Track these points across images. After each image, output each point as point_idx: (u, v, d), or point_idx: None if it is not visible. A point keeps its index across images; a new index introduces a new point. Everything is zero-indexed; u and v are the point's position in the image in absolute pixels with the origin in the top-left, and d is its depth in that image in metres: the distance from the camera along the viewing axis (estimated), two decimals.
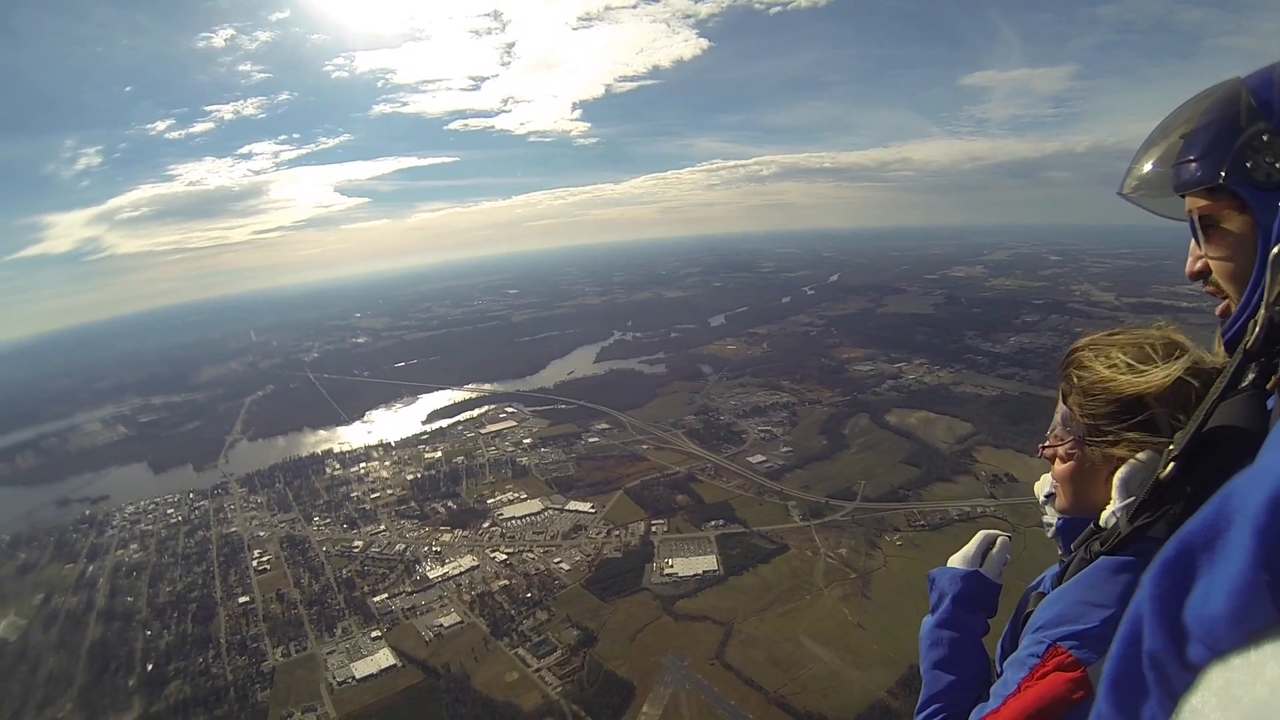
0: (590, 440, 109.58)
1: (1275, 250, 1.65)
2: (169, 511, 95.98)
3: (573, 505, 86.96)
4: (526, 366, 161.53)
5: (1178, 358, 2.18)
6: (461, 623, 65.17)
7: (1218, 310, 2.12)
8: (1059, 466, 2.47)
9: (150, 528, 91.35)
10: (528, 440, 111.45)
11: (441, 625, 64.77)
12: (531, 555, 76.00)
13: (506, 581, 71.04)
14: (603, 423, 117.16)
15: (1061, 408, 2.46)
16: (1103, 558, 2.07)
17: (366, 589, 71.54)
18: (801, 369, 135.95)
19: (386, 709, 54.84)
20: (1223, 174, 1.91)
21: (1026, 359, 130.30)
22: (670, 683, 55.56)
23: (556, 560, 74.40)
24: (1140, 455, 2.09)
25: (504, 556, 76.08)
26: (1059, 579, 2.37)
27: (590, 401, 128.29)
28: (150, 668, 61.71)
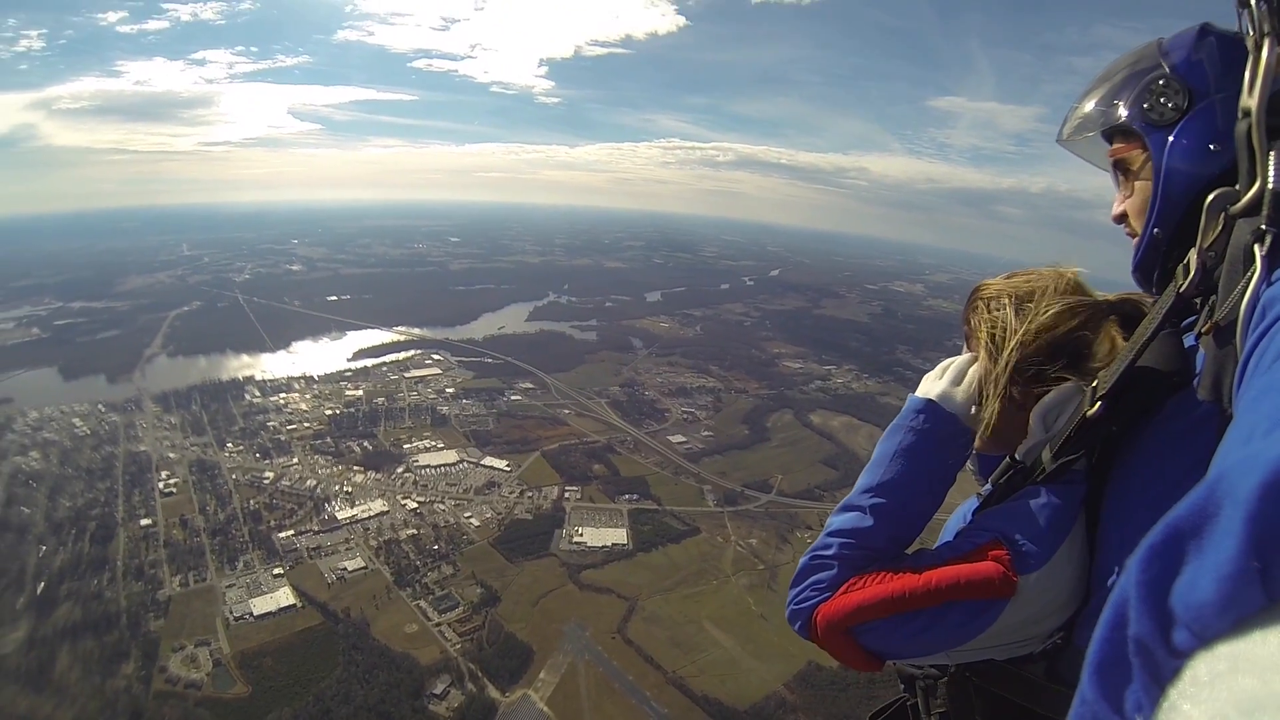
0: (513, 398, 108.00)
1: (1211, 197, 1.71)
2: (76, 422, 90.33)
3: (488, 461, 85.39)
4: (458, 316, 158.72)
5: (1081, 297, 2.18)
6: (365, 568, 63.61)
7: (1135, 249, 2.16)
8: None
9: (54, 437, 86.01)
10: (450, 390, 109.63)
11: (345, 569, 63.04)
12: (442, 507, 74.64)
13: (415, 531, 69.65)
14: (527, 382, 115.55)
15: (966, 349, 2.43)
16: (1029, 487, 1.99)
17: (273, 523, 69.30)
18: (731, 357, 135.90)
19: (282, 649, 53.14)
20: (1125, 116, 2.05)
21: None
22: (570, 651, 55.19)
23: (467, 515, 73.07)
24: (1054, 392, 2.04)
25: (414, 505, 74.52)
26: (978, 510, 2.21)
27: (517, 359, 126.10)
28: (41, 586, 58.37)
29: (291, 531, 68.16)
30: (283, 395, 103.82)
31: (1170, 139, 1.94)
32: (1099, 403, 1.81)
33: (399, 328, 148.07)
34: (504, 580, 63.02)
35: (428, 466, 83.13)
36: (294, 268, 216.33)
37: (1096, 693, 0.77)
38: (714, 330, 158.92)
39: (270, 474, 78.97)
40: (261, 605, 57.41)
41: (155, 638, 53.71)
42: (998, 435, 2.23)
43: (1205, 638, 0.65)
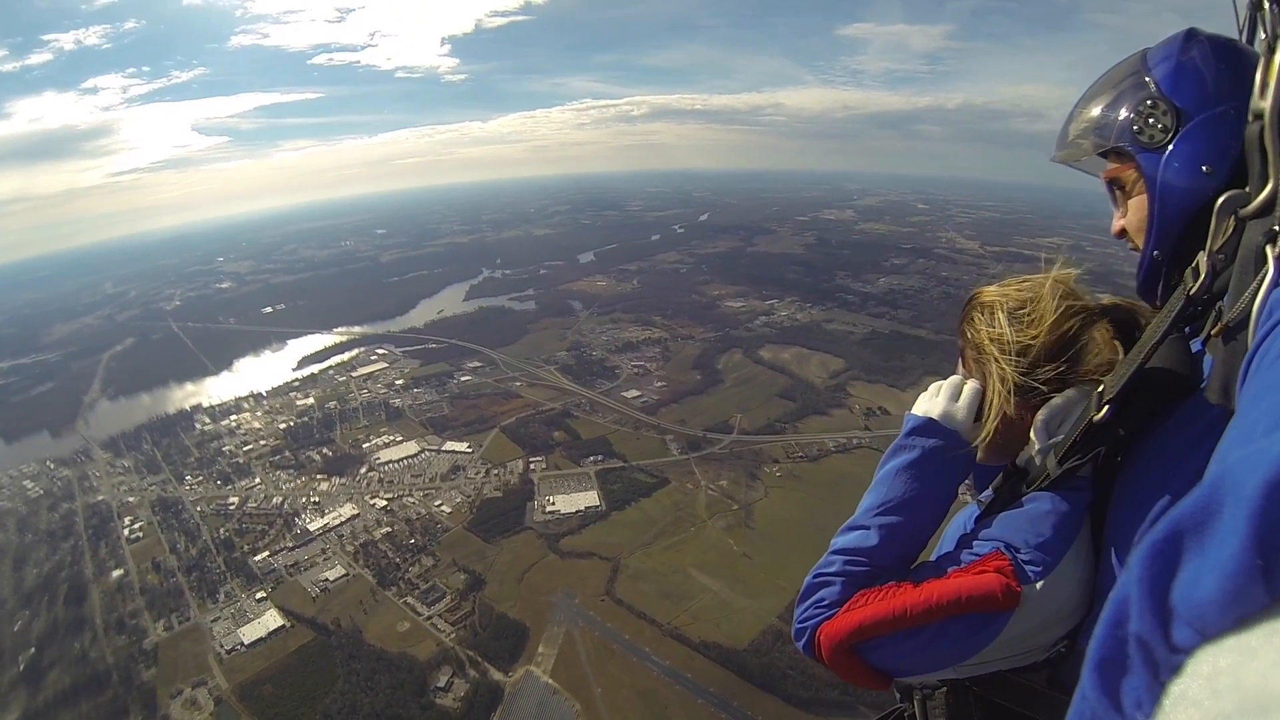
0: (463, 379, 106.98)
1: (1222, 199, 1.71)
2: (27, 484, 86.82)
3: (449, 446, 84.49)
4: (396, 307, 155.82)
5: (1076, 304, 2.15)
6: (347, 575, 62.46)
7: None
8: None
9: (7, 504, 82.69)
10: (400, 382, 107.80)
11: (327, 579, 61.86)
12: (411, 499, 73.48)
13: (389, 528, 68.59)
14: (475, 361, 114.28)
15: (964, 360, 2.38)
16: (1034, 494, 1.99)
17: (246, 548, 67.57)
18: (673, 305, 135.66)
19: (280, 672, 52.04)
20: (1115, 139, 2.07)
21: (896, 299, 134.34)
22: (563, 621, 54.98)
23: (437, 503, 72.20)
24: (1057, 398, 2.03)
25: (384, 502, 73.32)
26: (980, 519, 2.20)
27: (461, 340, 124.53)
28: (25, 661, 56.20)
29: (266, 553, 66.55)
30: (234, 417, 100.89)
31: (1162, 161, 1.94)
32: (1106, 407, 1.80)
33: (339, 329, 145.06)
34: (485, 562, 62.40)
35: (390, 462, 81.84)
36: (224, 286, 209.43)
37: (1097, 689, 0.76)
38: (651, 282, 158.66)
39: (235, 499, 76.82)
40: (251, 633, 56.04)
41: (150, 687, 52.22)
42: (997, 445, 2.18)
43: (1207, 635, 0.65)
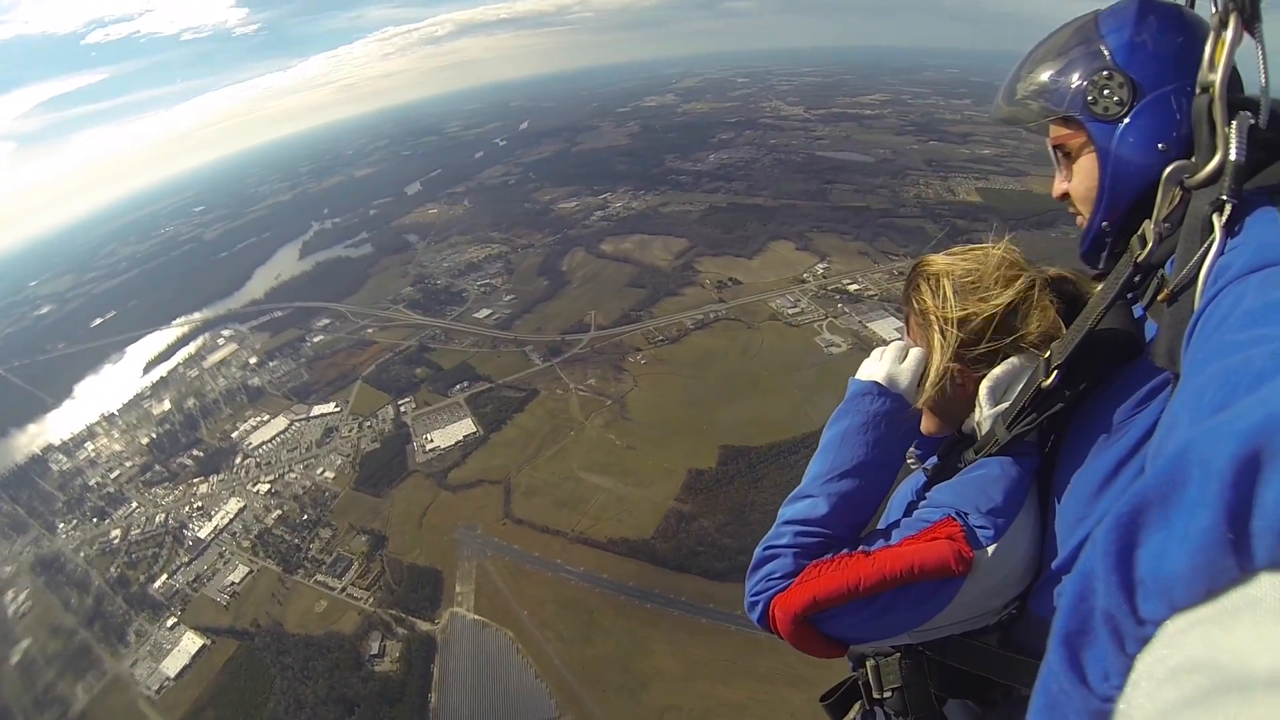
0: (315, 340, 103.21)
1: (1168, 171, 1.72)
2: None
3: (318, 410, 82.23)
4: (232, 283, 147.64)
5: (1020, 275, 2.16)
6: (251, 572, 60.83)
7: (1080, 225, 2.20)
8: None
9: None
10: (253, 359, 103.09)
11: (233, 583, 59.99)
12: (293, 475, 71.55)
13: (279, 511, 66.79)
14: (323, 318, 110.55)
15: (909, 327, 2.37)
16: (983, 460, 2.03)
17: (143, 578, 64.43)
18: (507, 218, 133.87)
19: (217, 694, 50.68)
20: (1066, 106, 2.04)
21: (729, 172, 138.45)
22: (471, 555, 55.55)
23: (319, 471, 70.66)
24: (1001, 365, 2.08)
25: (267, 486, 71.17)
26: (926, 486, 2.25)
27: (305, 301, 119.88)
28: None
29: (165, 576, 63.78)
30: (90, 446, 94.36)
31: (1117, 134, 1.95)
32: (1055, 372, 1.83)
33: (178, 321, 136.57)
34: (382, 517, 62.05)
35: (263, 443, 79.23)
36: (44, 311, 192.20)
37: (1063, 663, 0.76)
38: (482, 199, 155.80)
39: (117, 531, 72.79)
40: (173, 664, 54.06)
41: None
42: (941, 412, 2.25)
43: (1175, 607, 0.64)
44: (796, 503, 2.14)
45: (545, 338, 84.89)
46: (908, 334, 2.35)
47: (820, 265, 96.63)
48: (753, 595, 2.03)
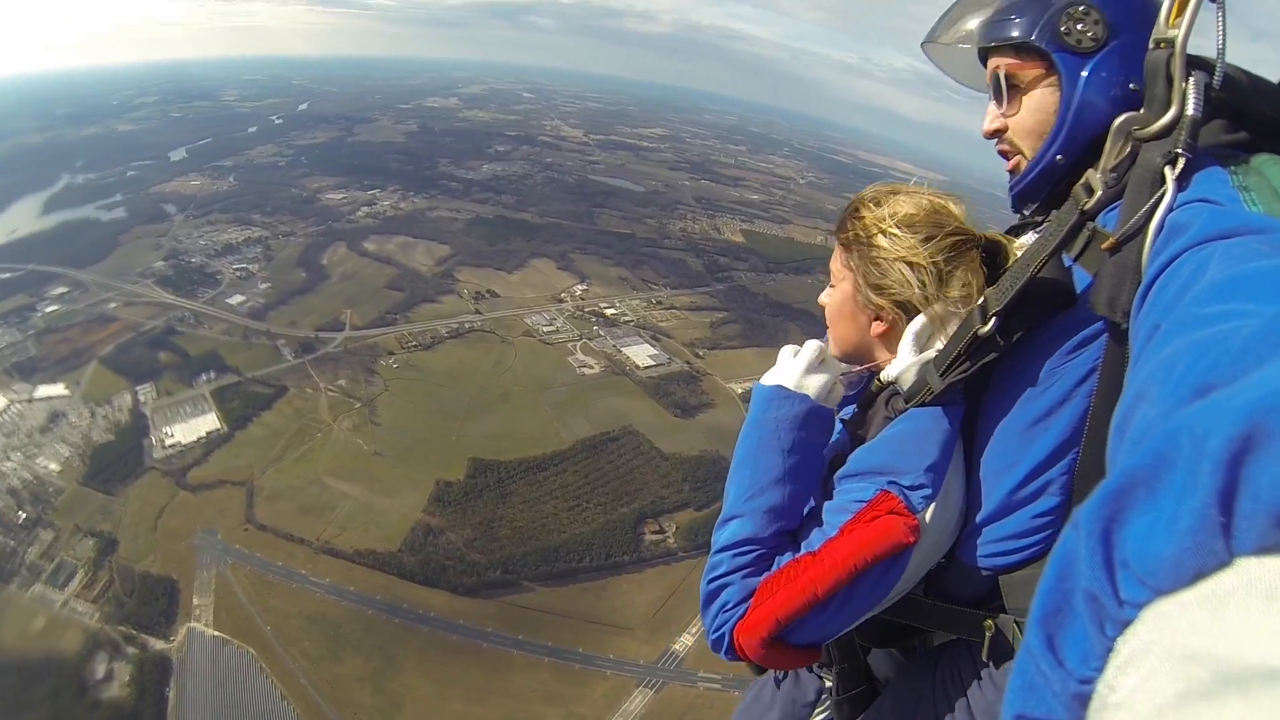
0: (48, 309, 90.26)
1: (1119, 121, 1.67)
2: None
3: (43, 391, 72.02)
4: None
5: (963, 230, 2.08)
6: None
7: (1009, 167, 2.19)
8: (831, 310, 2.26)
9: None
10: None
11: None
12: (11, 464, 62.30)
13: None
14: (60, 286, 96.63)
15: (837, 251, 2.24)
16: (913, 410, 1.96)
17: None
18: (273, 201, 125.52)
19: None
20: (1035, 34, 1.98)
21: (500, 185, 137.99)
22: (210, 564, 51.86)
23: (42, 462, 62.18)
24: (923, 315, 2.01)
25: None
26: (854, 441, 2.20)
27: (42, 264, 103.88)
28: None
29: None
30: None
31: (1088, 70, 1.93)
32: (993, 319, 1.77)
33: None
34: (113, 518, 55.95)
35: None
36: None
37: (1042, 644, 0.74)
38: (249, 178, 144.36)
39: None
40: None
41: None
42: (860, 358, 2.21)
43: (1160, 591, 0.62)
44: (724, 528, 2.07)
45: (299, 332, 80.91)
46: (834, 272, 2.27)
47: (580, 286, 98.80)
48: (714, 632, 1.96)
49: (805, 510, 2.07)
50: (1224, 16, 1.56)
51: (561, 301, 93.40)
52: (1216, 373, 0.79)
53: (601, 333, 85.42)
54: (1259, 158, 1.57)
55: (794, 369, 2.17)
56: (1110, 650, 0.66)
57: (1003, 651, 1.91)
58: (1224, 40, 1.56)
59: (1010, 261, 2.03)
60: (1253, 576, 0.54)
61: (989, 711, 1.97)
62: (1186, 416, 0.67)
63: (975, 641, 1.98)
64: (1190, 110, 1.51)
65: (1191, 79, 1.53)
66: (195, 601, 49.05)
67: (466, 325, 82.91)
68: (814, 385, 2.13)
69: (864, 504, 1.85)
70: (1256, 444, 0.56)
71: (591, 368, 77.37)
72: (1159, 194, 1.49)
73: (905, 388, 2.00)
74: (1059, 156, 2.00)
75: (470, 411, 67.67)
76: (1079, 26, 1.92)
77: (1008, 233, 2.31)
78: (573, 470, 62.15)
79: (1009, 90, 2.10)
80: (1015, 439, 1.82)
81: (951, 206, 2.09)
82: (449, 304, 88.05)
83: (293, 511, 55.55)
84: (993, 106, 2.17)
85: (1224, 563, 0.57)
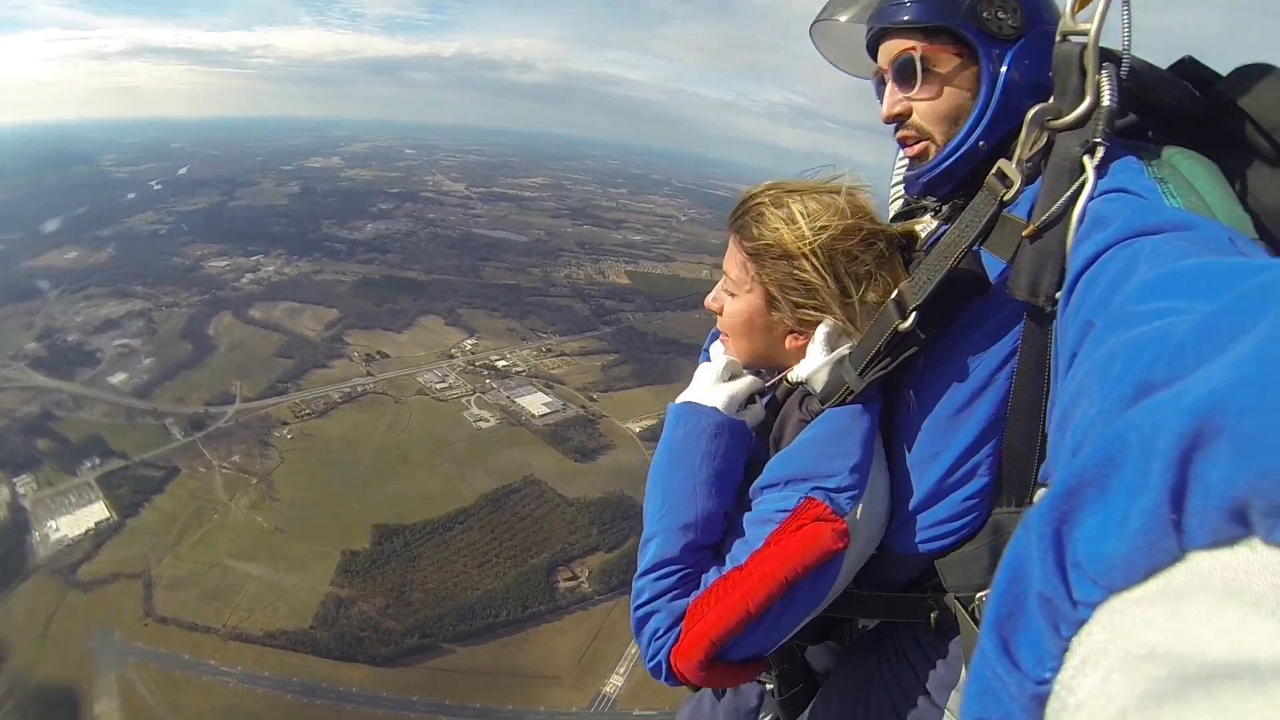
0: None
1: (1032, 112, 1.66)
2: None
3: None
4: None
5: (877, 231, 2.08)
6: None
7: (911, 152, 2.10)
8: (734, 320, 2.16)
9: None
10: None
11: None
12: None
13: None
14: None
15: (738, 258, 2.12)
16: (831, 410, 1.93)
17: None
18: (154, 272, 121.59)
19: None
20: (960, 18, 1.95)
21: (384, 244, 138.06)
22: (111, 665, 48.86)
23: None
24: (830, 317, 2.00)
25: None
26: (768, 446, 2.14)
27: None
28: None
29: None
30: None
31: (1010, 57, 1.92)
32: (913, 314, 1.77)
33: None
34: None
35: None
36: None
37: (996, 648, 0.73)
38: (128, 248, 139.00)
39: None
40: None
41: None
42: (768, 361, 2.18)
43: (1113, 590, 0.62)
44: (644, 550, 1.99)
45: (187, 409, 78.64)
46: (736, 280, 2.13)
47: (469, 341, 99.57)
48: (650, 660, 1.90)
49: (725, 523, 2.00)
50: (1129, 9, 1.58)
51: (452, 357, 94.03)
52: (1156, 371, 0.79)
53: (494, 385, 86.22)
54: (1169, 151, 1.60)
55: (703, 383, 2.15)
56: (1066, 650, 0.66)
57: (948, 627, 1.97)
58: (1130, 33, 1.60)
59: (916, 251, 2.10)
60: (1206, 570, 0.55)
61: (940, 684, 2.02)
62: (1134, 416, 0.67)
63: (916, 621, 2.06)
64: (1106, 100, 1.54)
65: (1104, 70, 1.55)
66: (98, 709, 46.35)
67: (359, 389, 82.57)
68: (722, 396, 2.08)
69: (788, 513, 1.82)
70: (1205, 441, 0.56)
71: (487, 421, 78.00)
72: (1079, 182, 1.51)
73: (818, 388, 1.99)
74: (981, 143, 1.96)
75: (370, 477, 67.18)
76: (1000, 14, 1.91)
77: (893, 219, 2.43)
78: (479, 526, 62.26)
79: (923, 74, 2.02)
80: (940, 427, 1.85)
81: (860, 199, 2.09)
82: (340, 368, 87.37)
83: (195, 599, 53.75)
84: (894, 90, 2.08)
85: (1176, 558, 0.58)
